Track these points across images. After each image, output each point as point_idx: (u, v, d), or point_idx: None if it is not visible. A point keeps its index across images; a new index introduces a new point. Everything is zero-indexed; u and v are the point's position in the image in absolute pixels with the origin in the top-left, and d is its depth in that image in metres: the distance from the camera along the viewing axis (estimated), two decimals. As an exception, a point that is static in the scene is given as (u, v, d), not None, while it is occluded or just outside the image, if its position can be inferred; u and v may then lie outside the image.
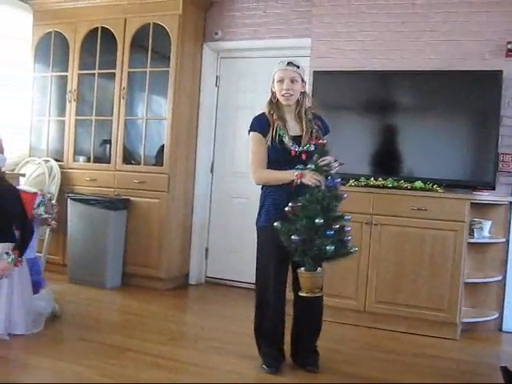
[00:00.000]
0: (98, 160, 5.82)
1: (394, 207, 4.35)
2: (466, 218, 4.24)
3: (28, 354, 3.49)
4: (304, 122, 3.33)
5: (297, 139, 3.30)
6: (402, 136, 4.71)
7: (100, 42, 5.75)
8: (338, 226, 3.08)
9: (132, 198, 5.49)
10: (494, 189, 4.45)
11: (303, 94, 3.39)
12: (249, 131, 3.40)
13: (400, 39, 4.83)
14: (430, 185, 4.39)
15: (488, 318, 4.53)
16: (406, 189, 4.39)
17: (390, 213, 4.37)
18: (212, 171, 5.99)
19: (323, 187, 3.09)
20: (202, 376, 3.27)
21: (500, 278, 4.57)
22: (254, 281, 5.55)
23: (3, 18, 5.77)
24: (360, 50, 4.97)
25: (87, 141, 5.92)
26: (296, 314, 3.48)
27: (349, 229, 3.17)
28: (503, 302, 4.59)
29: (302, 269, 3.13)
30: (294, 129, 3.34)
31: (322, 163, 3.13)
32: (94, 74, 5.82)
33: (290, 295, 3.45)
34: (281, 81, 3.30)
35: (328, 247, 3.02)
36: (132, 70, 5.64)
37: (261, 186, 3.43)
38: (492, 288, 4.60)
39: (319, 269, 3.14)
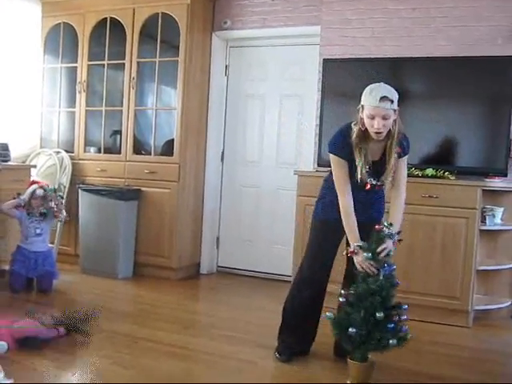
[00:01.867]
0: (108, 151, 5.84)
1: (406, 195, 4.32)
2: (477, 205, 4.22)
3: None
4: (388, 158, 3.12)
5: (374, 165, 3.13)
6: (412, 123, 4.66)
7: (109, 33, 5.74)
8: (397, 318, 2.95)
9: (143, 188, 5.49)
10: (506, 175, 4.40)
11: (394, 121, 3.07)
12: (329, 151, 3.22)
13: (411, 25, 4.78)
14: (442, 172, 4.37)
15: (500, 306, 4.51)
16: (417, 176, 4.36)
17: (401, 201, 4.34)
18: (222, 160, 5.99)
19: (381, 277, 2.95)
20: (215, 365, 3.29)
21: (512, 265, 4.55)
22: (265, 270, 5.67)
23: (12, 10, 5.77)
24: (370, 37, 4.93)
25: (97, 131, 5.94)
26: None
27: (405, 317, 3.00)
28: (516, 289, 4.58)
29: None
30: (374, 153, 3.15)
31: (382, 254, 2.98)
32: (103, 64, 5.82)
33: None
34: (371, 117, 3.02)
35: (390, 341, 2.89)
36: (141, 60, 5.64)
37: (324, 178, 3.42)
38: (504, 275, 4.57)
39: (369, 358, 3.02)
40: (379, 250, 3.00)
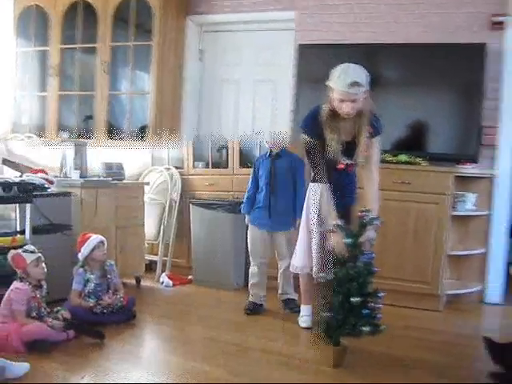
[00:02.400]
0: (81, 136, 5.75)
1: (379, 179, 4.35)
2: (449, 191, 4.26)
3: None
4: (360, 137, 3.13)
5: (347, 145, 3.16)
6: (386, 109, 4.66)
7: (81, 16, 5.64)
8: (372, 304, 2.95)
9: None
10: (476, 162, 4.46)
11: (365, 99, 3.08)
12: (302, 130, 3.26)
13: (387, 12, 4.79)
14: (414, 158, 4.40)
15: (471, 290, 4.59)
16: (390, 162, 4.39)
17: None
18: (197, 145, 5.95)
19: (360, 263, 2.94)
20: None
21: (483, 250, 4.62)
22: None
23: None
24: (345, 23, 4.93)
25: (71, 116, 5.85)
26: None
27: (380, 306, 2.99)
28: (486, 274, 4.64)
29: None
30: (347, 134, 3.17)
31: (367, 247, 3.01)
32: (75, 48, 5.73)
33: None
34: (341, 101, 3.04)
35: (364, 328, 2.88)
36: (114, 44, 5.55)
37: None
38: (475, 260, 4.65)
39: (342, 342, 3.02)
40: (362, 240, 2.98)
